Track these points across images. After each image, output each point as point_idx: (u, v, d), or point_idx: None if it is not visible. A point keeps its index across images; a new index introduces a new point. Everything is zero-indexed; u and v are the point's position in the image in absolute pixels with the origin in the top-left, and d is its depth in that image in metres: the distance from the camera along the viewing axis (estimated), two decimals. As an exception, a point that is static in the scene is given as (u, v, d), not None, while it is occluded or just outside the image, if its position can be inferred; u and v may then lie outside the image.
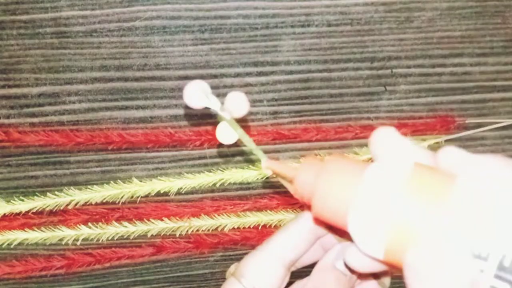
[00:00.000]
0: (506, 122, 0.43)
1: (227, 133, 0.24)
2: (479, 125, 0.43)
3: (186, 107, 0.24)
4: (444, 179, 0.20)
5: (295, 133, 0.42)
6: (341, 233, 0.25)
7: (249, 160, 0.43)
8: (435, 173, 0.20)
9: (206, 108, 0.24)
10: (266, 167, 0.25)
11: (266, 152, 0.44)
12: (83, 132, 0.42)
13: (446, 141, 0.44)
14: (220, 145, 0.42)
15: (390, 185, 0.20)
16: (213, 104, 0.24)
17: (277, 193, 0.45)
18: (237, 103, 0.24)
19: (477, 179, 0.20)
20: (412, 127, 0.43)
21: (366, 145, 0.44)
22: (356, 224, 0.21)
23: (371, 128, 0.43)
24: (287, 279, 0.28)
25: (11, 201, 0.43)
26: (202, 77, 0.41)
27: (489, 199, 0.19)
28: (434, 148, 0.44)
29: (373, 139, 0.23)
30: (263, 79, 0.41)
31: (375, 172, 0.21)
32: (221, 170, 0.43)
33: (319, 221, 0.25)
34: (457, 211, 0.19)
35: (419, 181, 0.20)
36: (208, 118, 0.42)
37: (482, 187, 0.19)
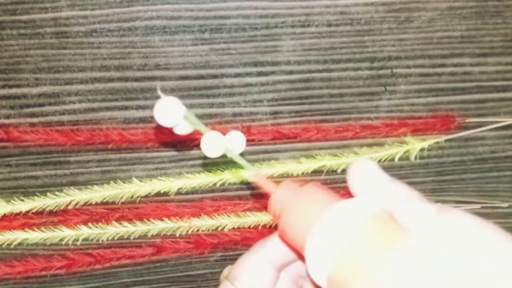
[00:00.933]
0: (506, 121, 0.43)
1: (211, 146, 0.24)
2: (479, 125, 0.43)
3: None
4: (396, 233, 0.20)
5: (295, 132, 0.42)
6: (299, 255, 0.26)
7: (250, 160, 0.43)
8: (394, 223, 0.21)
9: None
10: (254, 176, 0.25)
11: (266, 152, 0.44)
12: (83, 131, 0.42)
13: (446, 140, 0.44)
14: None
15: (348, 222, 0.21)
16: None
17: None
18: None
19: (437, 238, 0.19)
20: (412, 126, 0.43)
21: (366, 145, 0.44)
22: (309, 250, 0.22)
23: (371, 127, 0.43)
24: (279, 281, 0.28)
25: (11, 201, 0.43)
26: (202, 77, 0.41)
27: (441, 262, 0.19)
28: (434, 147, 0.44)
29: (351, 171, 0.24)
30: (263, 79, 0.41)
31: (340, 207, 0.22)
32: (221, 170, 0.43)
33: (282, 239, 0.26)
34: (407, 262, 0.19)
35: (376, 226, 0.21)
36: (207, 118, 0.42)
37: (438, 247, 0.19)
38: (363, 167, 0.24)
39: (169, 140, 0.42)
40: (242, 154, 0.26)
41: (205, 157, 0.43)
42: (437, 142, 0.43)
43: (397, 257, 0.19)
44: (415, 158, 0.44)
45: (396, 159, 0.44)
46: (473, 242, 0.19)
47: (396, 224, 0.21)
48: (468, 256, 0.18)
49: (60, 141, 0.41)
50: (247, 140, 0.43)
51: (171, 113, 0.23)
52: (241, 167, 0.25)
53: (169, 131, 0.41)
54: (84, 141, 0.41)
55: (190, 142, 0.42)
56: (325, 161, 0.43)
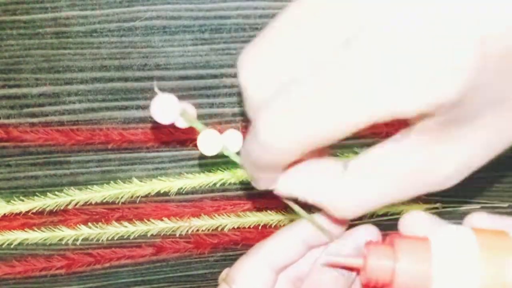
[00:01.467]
0: None
1: (208, 144, 0.25)
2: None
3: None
4: (500, 235, 0.22)
5: None
6: None
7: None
8: (490, 232, 0.22)
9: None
10: (330, 264, 0.25)
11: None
12: (83, 131, 0.42)
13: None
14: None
15: (466, 255, 0.22)
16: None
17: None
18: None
19: None
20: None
21: (366, 145, 0.44)
22: None
23: (370, 127, 0.42)
24: (278, 284, 0.28)
25: (11, 201, 0.43)
26: (202, 77, 0.41)
27: None
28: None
29: (404, 222, 0.24)
30: (263, 79, 0.41)
31: (444, 246, 0.23)
32: (221, 170, 0.43)
33: None
34: None
35: (486, 242, 0.22)
36: (207, 118, 0.42)
37: None
38: (416, 218, 0.25)
39: (169, 140, 0.42)
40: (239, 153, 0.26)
41: (205, 157, 0.43)
42: None
43: None
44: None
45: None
46: None
47: (497, 236, 0.22)
48: None
49: (60, 140, 0.41)
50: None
51: (167, 110, 0.23)
52: (238, 166, 0.26)
53: (169, 131, 0.41)
54: (84, 140, 0.41)
55: (190, 142, 0.42)
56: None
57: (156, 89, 0.24)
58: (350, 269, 0.26)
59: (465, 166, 0.23)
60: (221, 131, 0.26)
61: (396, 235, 0.25)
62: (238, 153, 0.25)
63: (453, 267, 0.22)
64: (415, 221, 0.24)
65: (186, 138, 0.42)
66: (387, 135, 0.43)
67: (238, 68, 0.21)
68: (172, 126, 0.24)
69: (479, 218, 0.24)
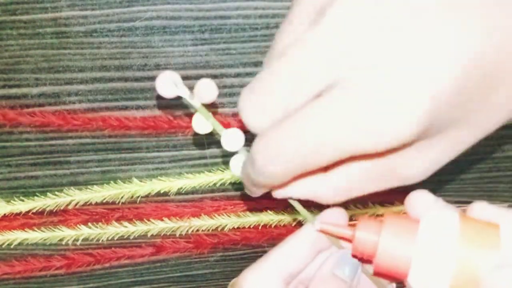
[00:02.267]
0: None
1: (201, 123, 0.26)
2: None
3: (159, 96, 0.25)
4: (489, 225, 0.22)
5: None
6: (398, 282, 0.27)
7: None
8: (480, 222, 0.23)
9: (178, 97, 0.25)
10: (321, 230, 0.27)
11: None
12: (80, 115, 0.41)
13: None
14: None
15: (445, 239, 0.23)
16: (183, 92, 0.25)
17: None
18: (205, 90, 0.25)
19: None
20: None
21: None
22: (417, 279, 0.23)
23: None
24: None
25: (11, 201, 0.43)
26: (202, 77, 0.41)
27: None
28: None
29: (409, 201, 0.26)
30: (263, 79, 0.41)
31: (427, 228, 0.24)
32: (221, 170, 0.43)
33: (379, 275, 0.26)
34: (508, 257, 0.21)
35: (469, 232, 0.23)
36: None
37: None
38: (420, 197, 0.26)
39: (168, 127, 0.42)
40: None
41: (205, 157, 0.43)
42: None
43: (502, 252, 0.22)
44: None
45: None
46: None
47: (481, 224, 0.23)
48: None
49: (57, 124, 0.41)
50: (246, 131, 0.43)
51: (172, 85, 0.24)
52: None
53: (168, 118, 0.41)
54: (82, 125, 0.41)
55: (189, 131, 0.42)
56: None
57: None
58: (341, 238, 0.27)
59: (434, 164, 0.25)
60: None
61: (392, 213, 0.26)
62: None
63: (432, 252, 0.23)
64: (417, 201, 0.26)
65: (186, 125, 0.41)
66: None
67: (240, 106, 0.25)
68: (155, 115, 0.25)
69: (479, 207, 0.24)
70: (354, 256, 0.26)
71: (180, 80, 0.25)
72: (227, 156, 0.42)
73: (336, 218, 0.27)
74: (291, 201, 0.27)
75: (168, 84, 0.24)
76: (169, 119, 0.41)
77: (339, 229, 0.26)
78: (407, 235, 0.24)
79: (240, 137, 0.26)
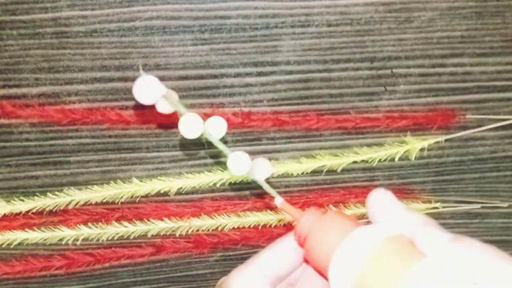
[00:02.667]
0: (506, 121, 0.43)
1: (190, 127, 0.25)
2: (479, 124, 0.43)
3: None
4: (413, 256, 0.22)
5: (295, 119, 0.42)
6: (322, 276, 0.27)
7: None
8: (405, 249, 0.23)
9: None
10: (280, 205, 0.28)
11: (266, 152, 0.44)
12: (79, 109, 0.41)
13: (446, 140, 0.44)
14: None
15: (367, 245, 0.23)
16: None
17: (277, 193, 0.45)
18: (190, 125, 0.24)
19: (451, 261, 0.21)
20: (413, 120, 0.43)
21: (366, 144, 0.44)
22: (332, 272, 0.24)
23: (371, 119, 0.42)
24: None
25: (11, 201, 0.43)
26: (202, 77, 0.41)
27: (453, 281, 0.20)
28: (434, 147, 0.44)
29: (369, 199, 0.26)
30: (263, 79, 0.41)
31: (360, 232, 0.24)
32: (221, 170, 0.43)
33: (307, 261, 0.27)
34: (422, 279, 0.21)
35: (393, 249, 0.23)
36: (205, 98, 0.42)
37: (451, 268, 0.21)
38: (381, 196, 0.26)
39: (167, 122, 0.41)
40: (225, 142, 0.26)
41: (205, 157, 0.43)
42: (437, 142, 0.43)
43: (413, 275, 0.21)
44: (415, 158, 0.44)
45: (396, 159, 0.44)
46: (480, 267, 0.21)
47: (413, 247, 0.22)
48: (476, 278, 0.20)
49: (56, 118, 0.41)
50: (246, 132, 0.43)
51: (150, 91, 0.23)
52: (221, 151, 0.26)
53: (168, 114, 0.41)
54: (81, 119, 0.41)
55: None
56: (325, 161, 0.43)
57: (140, 70, 0.23)
58: (293, 218, 0.28)
59: None
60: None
61: (341, 211, 0.26)
62: (221, 139, 0.26)
63: (344, 261, 0.23)
64: (374, 200, 0.26)
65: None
66: (388, 126, 0.43)
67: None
68: (154, 110, 0.25)
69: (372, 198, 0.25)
70: (295, 240, 0.27)
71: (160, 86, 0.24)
72: (227, 156, 0.42)
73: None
74: (260, 181, 0.27)
75: (148, 89, 0.24)
76: (169, 115, 0.41)
77: (292, 210, 0.27)
78: (337, 233, 0.24)
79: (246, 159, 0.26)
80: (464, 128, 0.44)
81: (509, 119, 0.43)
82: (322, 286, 0.27)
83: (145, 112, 0.41)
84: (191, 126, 0.24)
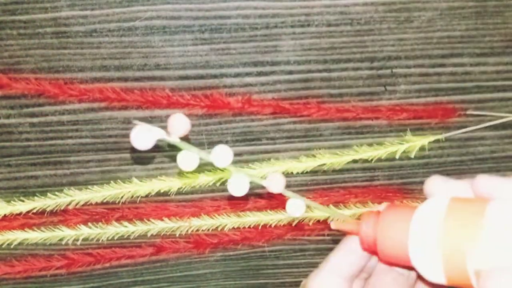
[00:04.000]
0: (506, 118, 0.43)
1: (187, 160, 0.24)
2: (480, 121, 0.43)
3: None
4: (477, 205, 0.23)
5: (296, 107, 0.42)
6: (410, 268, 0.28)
7: (250, 160, 0.43)
8: (469, 202, 0.24)
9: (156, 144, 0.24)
10: (336, 228, 0.28)
11: (266, 152, 0.44)
12: (77, 86, 0.41)
13: (446, 140, 0.44)
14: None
15: (432, 221, 0.24)
16: (159, 134, 0.23)
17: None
18: (178, 124, 0.24)
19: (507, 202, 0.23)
20: (414, 113, 0.42)
21: (366, 143, 0.44)
22: (416, 259, 0.24)
23: (373, 110, 0.42)
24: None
25: (12, 202, 0.43)
26: (202, 77, 0.41)
27: None
28: (434, 147, 0.44)
29: (427, 185, 0.27)
30: (263, 79, 0.41)
31: (420, 214, 0.25)
32: (221, 170, 0.43)
33: (386, 262, 0.28)
34: (490, 229, 0.22)
35: (455, 212, 0.23)
36: (207, 118, 0.42)
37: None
38: (436, 178, 0.27)
39: (167, 102, 0.41)
40: (188, 140, 0.26)
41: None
42: (437, 140, 0.43)
43: (487, 214, 0.22)
44: (415, 158, 0.44)
45: (397, 157, 0.43)
46: None
47: (470, 203, 0.24)
48: None
49: (52, 93, 0.40)
50: (246, 132, 0.43)
51: (146, 139, 0.23)
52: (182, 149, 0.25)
53: (167, 94, 0.41)
54: (78, 95, 0.40)
55: (187, 109, 0.41)
56: (325, 159, 0.43)
57: (135, 122, 0.24)
58: (351, 234, 0.28)
59: None
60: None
61: (390, 205, 0.27)
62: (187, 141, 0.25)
63: (421, 241, 0.24)
64: (431, 186, 0.26)
65: (186, 103, 0.41)
66: (389, 118, 0.43)
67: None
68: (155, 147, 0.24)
69: (482, 181, 0.25)
70: (365, 250, 0.28)
71: (150, 126, 0.23)
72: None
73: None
74: (316, 205, 0.28)
75: (144, 135, 0.23)
76: (168, 95, 0.41)
77: (349, 226, 0.28)
78: (400, 223, 0.25)
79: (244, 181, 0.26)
80: (464, 127, 0.44)
81: (509, 117, 0.43)
82: (392, 280, 0.28)
83: (145, 92, 0.41)
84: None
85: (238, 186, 0.26)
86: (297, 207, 0.26)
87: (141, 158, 0.43)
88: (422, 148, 0.44)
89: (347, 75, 0.42)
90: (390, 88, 0.42)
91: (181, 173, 0.43)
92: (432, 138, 0.43)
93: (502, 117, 0.43)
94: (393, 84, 0.42)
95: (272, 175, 0.26)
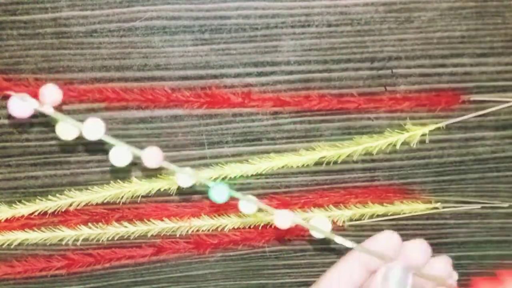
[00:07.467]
0: (509, 102, 0.42)
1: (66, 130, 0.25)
2: (480, 122, 0.43)
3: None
4: None
5: (296, 100, 0.41)
6: None
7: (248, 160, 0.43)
8: None
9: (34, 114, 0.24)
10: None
11: (266, 152, 0.44)
12: (76, 87, 0.41)
13: (446, 140, 0.44)
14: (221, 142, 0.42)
15: None
16: (33, 105, 0.24)
17: (277, 193, 0.45)
18: (49, 93, 0.25)
19: None
20: (416, 101, 0.42)
21: (366, 133, 0.44)
22: None
23: (374, 100, 0.42)
24: None
25: (13, 205, 0.43)
26: (202, 77, 0.41)
27: None
28: (435, 148, 0.44)
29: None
30: (263, 79, 0.41)
31: None
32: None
33: None
34: None
35: None
36: (207, 118, 0.42)
37: None
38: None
39: (167, 101, 0.41)
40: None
41: (205, 157, 0.43)
42: (438, 128, 0.43)
43: None
44: (415, 158, 0.44)
45: (397, 146, 0.43)
46: None
47: None
48: None
49: None
50: (246, 132, 0.43)
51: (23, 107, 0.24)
52: None
53: (167, 92, 0.40)
54: (77, 96, 0.40)
55: (187, 107, 0.41)
56: (325, 152, 0.43)
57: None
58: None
59: None
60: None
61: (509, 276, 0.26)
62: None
63: None
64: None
65: (185, 100, 0.41)
66: (390, 108, 0.42)
67: None
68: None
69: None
70: None
71: (26, 95, 0.24)
72: (227, 156, 0.42)
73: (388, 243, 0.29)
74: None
75: (19, 104, 0.24)
76: (168, 92, 0.41)
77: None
78: None
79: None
80: (464, 127, 0.44)
81: (510, 101, 0.42)
82: None
83: (144, 90, 0.41)
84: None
85: (119, 157, 0.26)
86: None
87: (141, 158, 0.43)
88: (422, 141, 0.43)
89: (347, 75, 0.42)
90: (390, 89, 0.42)
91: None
92: (433, 126, 0.43)
93: (503, 102, 0.42)
94: (393, 85, 0.42)
95: (149, 149, 0.26)
